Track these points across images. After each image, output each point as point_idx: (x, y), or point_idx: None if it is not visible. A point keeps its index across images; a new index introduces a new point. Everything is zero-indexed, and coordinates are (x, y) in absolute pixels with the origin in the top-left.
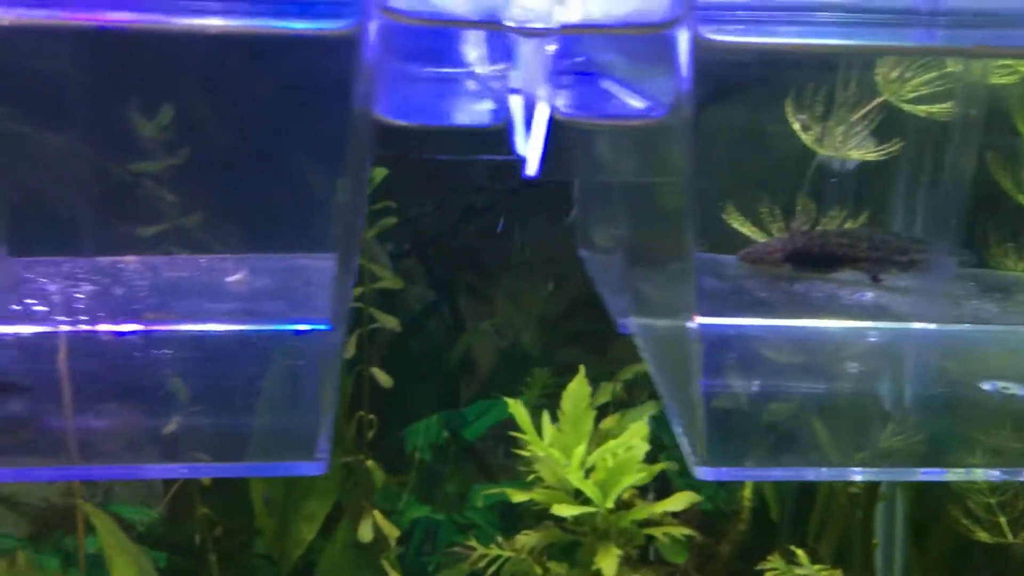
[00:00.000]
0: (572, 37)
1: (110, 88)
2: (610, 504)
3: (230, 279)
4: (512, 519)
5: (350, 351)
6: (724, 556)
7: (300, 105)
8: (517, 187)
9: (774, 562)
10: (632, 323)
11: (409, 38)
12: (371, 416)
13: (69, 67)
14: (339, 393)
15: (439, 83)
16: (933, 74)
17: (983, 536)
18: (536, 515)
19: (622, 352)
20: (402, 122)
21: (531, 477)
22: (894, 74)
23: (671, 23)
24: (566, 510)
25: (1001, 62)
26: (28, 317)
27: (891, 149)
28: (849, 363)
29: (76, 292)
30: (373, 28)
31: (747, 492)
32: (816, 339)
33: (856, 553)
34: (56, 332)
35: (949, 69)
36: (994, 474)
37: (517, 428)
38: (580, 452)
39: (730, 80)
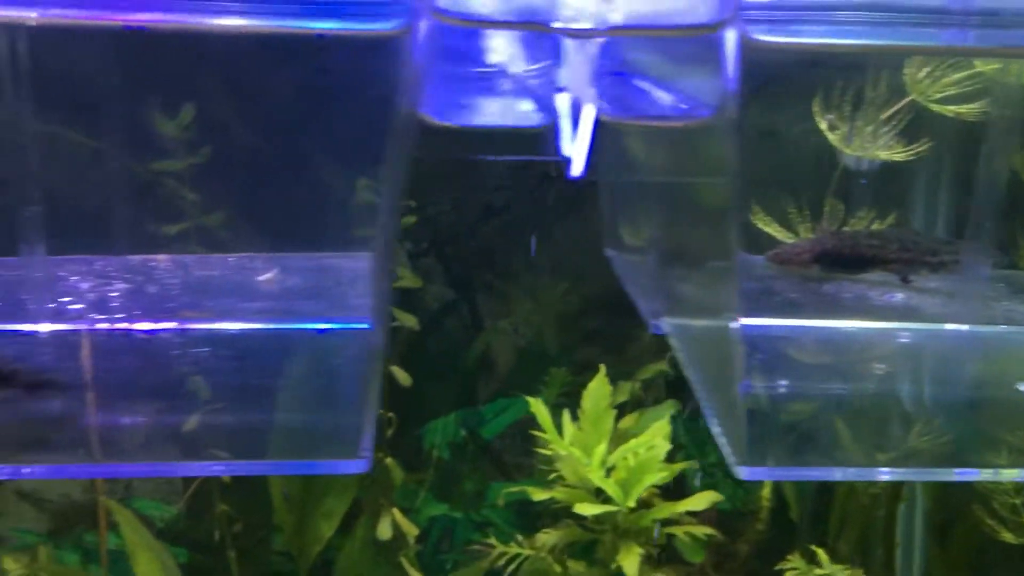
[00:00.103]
0: (613, 38)
1: (153, 88)
2: (632, 503)
3: (261, 278)
4: (529, 517)
5: None
6: (742, 555)
7: (345, 105)
8: (534, 187)
9: (794, 561)
10: (666, 323)
11: (449, 38)
12: (390, 414)
13: (106, 67)
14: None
15: (478, 82)
16: (962, 74)
17: (1008, 536)
18: (554, 514)
19: (640, 351)
20: (448, 123)
21: (552, 476)
22: (922, 74)
23: (719, 24)
24: (588, 509)
25: None
26: (63, 315)
27: (919, 149)
28: (881, 364)
29: (110, 290)
30: (423, 28)
31: (766, 492)
32: (848, 340)
33: (877, 553)
34: (93, 330)
35: (978, 69)
36: None
37: (535, 427)
38: (601, 451)
39: (763, 80)
